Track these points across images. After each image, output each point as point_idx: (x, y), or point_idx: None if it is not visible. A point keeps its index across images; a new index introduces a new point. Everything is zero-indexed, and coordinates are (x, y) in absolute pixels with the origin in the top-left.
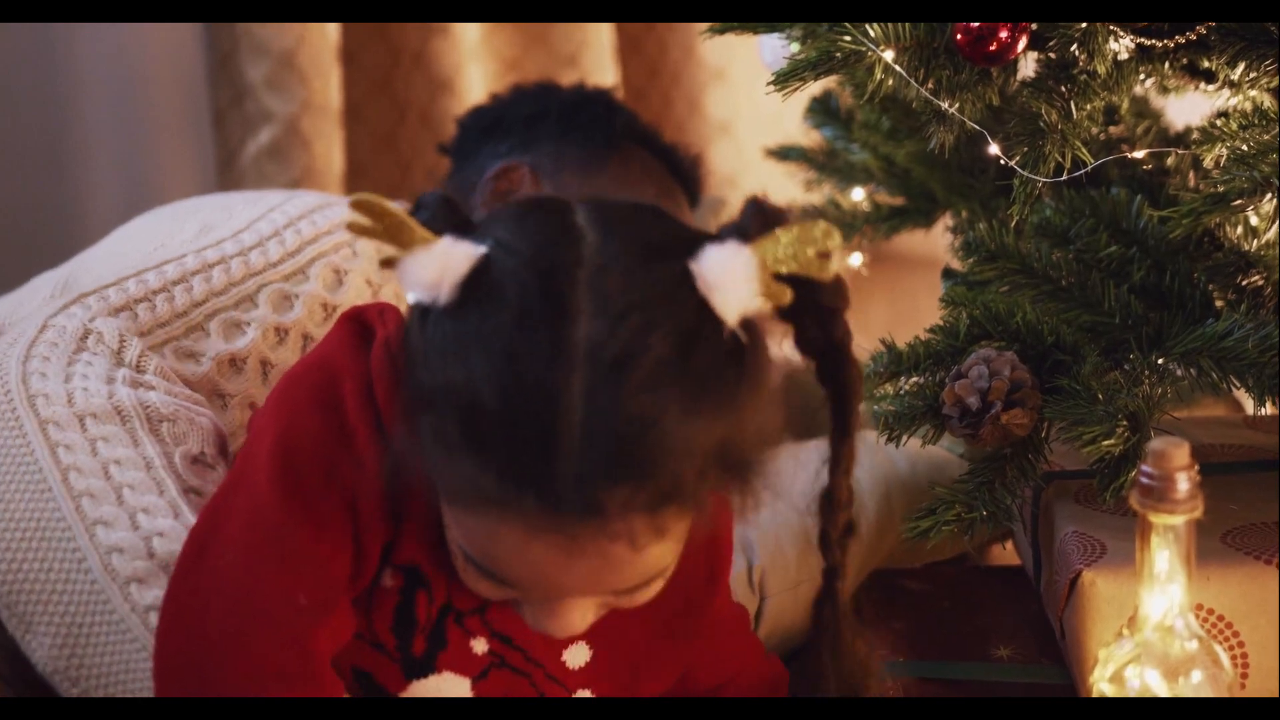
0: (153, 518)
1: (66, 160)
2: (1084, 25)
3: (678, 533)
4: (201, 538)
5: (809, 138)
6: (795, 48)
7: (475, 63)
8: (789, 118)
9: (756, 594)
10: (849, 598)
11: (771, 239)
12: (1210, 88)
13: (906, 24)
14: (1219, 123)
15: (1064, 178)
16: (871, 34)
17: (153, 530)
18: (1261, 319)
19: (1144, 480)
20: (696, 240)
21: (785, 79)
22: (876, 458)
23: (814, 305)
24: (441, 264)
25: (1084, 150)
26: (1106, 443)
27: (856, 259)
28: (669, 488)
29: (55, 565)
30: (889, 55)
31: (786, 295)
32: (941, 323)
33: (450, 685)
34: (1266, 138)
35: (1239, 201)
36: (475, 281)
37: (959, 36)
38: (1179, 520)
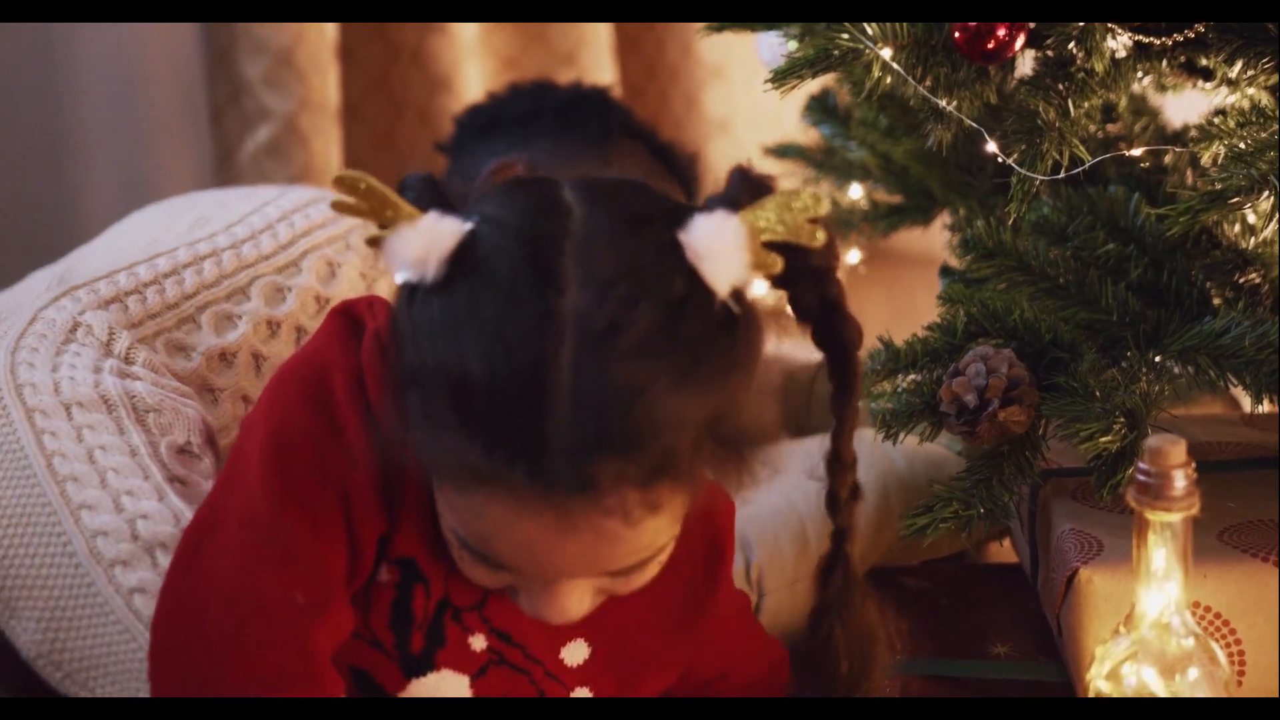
0: (137, 500)
1: (64, 157)
2: (1082, 23)
3: (673, 509)
4: (196, 537)
5: (807, 135)
6: (793, 45)
7: (473, 61)
8: (787, 116)
9: (754, 591)
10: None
11: (760, 207)
12: (1208, 85)
13: (904, 22)
14: (1217, 120)
15: (1062, 175)
16: (869, 32)
17: (137, 513)
18: (1259, 316)
19: (1141, 478)
20: (684, 211)
21: (783, 77)
22: (874, 455)
23: (806, 269)
24: (428, 240)
25: (1081, 148)
26: (1104, 440)
27: (854, 256)
28: (661, 460)
29: (40, 550)
30: (887, 53)
31: (778, 264)
32: (939, 320)
33: (449, 683)
34: (1264, 135)
35: (1236, 199)
36: (462, 257)
37: (957, 34)
38: (1176, 518)
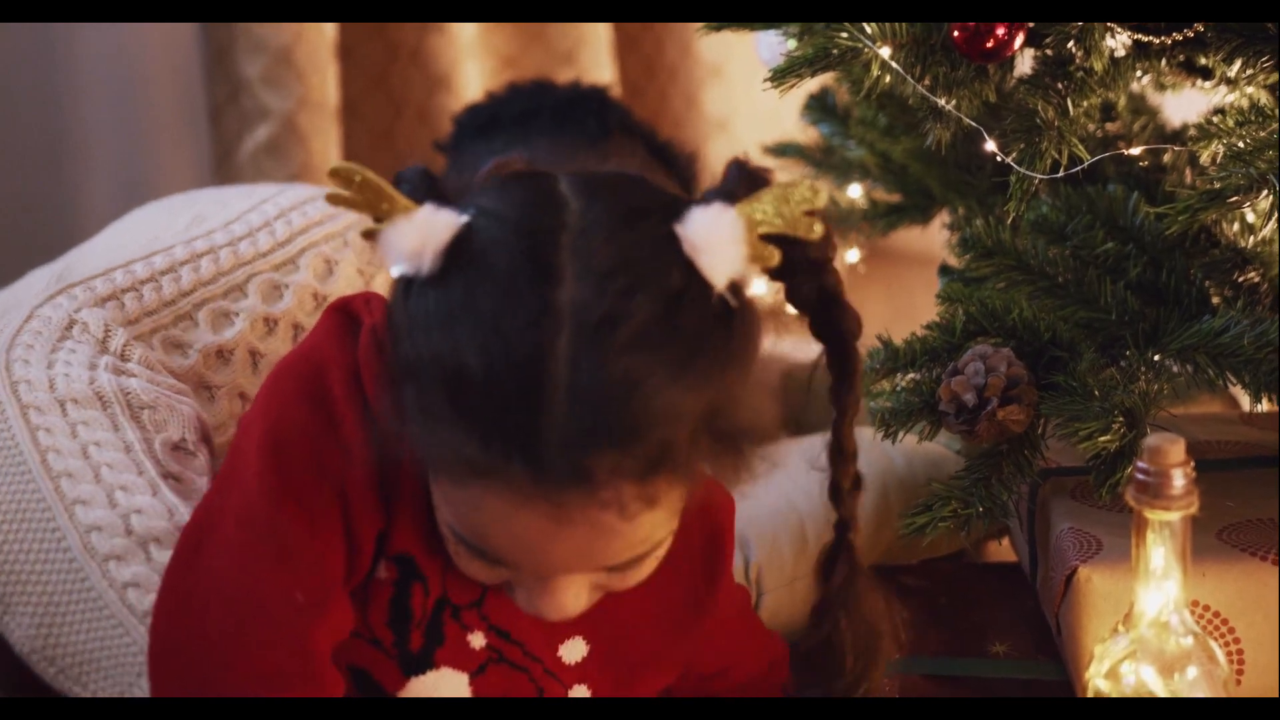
0: (131, 495)
1: (64, 156)
2: (1080, 22)
3: (670, 504)
4: (195, 537)
5: (806, 134)
6: (792, 44)
7: (472, 60)
8: (786, 115)
9: (753, 590)
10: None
11: (757, 200)
12: (1207, 84)
13: (903, 22)
14: (1216, 119)
15: (1061, 174)
16: (868, 31)
17: (130, 507)
18: (1258, 315)
19: (1140, 476)
20: (681, 204)
21: (782, 76)
22: (873, 454)
23: (804, 261)
24: (423, 232)
25: (1080, 147)
26: (1103, 439)
27: (853, 255)
28: (658, 454)
29: (35, 545)
30: (886, 52)
31: (775, 256)
32: (938, 319)
33: (448, 681)
34: (1263, 134)
35: (1235, 198)
36: (458, 249)
37: (956, 33)
38: (1175, 516)
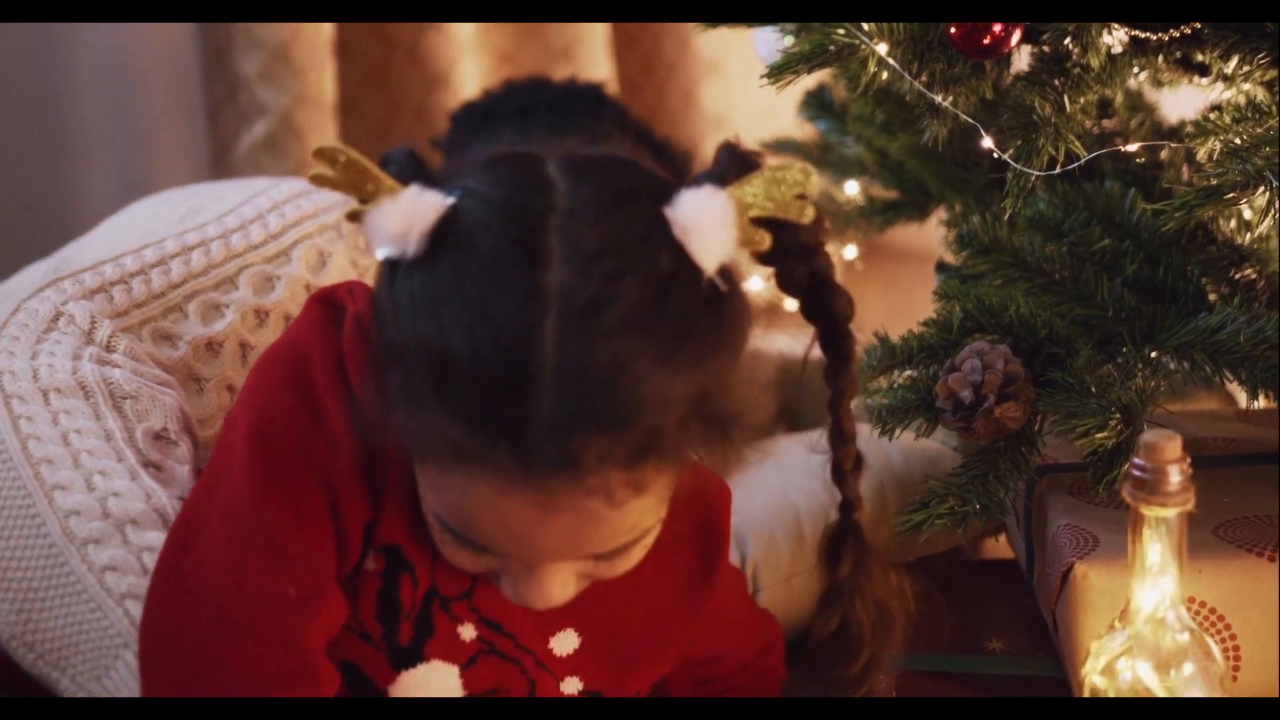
0: (109, 479)
1: (62, 153)
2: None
3: (658, 491)
4: (182, 533)
5: (803, 131)
6: (789, 41)
7: (469, 57)
8: (784, 111)
9: (750, 587)
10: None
11: (747, 183)
12: (1204, 81)
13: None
14: (1212, 116)
15: (1057, 171)
16: (865, 27)
17: (108, 490)
18: (1254, 312)
19: (1136, 473)
20: (671, 187)
21: (779, 72)
22: (870, 451)
23: (795, 245)
24: (409, 214)
25: (1077, 144)
26: (1099, 436)
27: (851, 252)
28: (646, 439)
29: (15, 532)
30: (882, 49)
31: (765, 240)
32: (935, 316)
33: (439, 674)
34: (1260, 131)
35: (1232, 195)
36: (444, 231)
37: (953, 30)
38: (1171, 513)
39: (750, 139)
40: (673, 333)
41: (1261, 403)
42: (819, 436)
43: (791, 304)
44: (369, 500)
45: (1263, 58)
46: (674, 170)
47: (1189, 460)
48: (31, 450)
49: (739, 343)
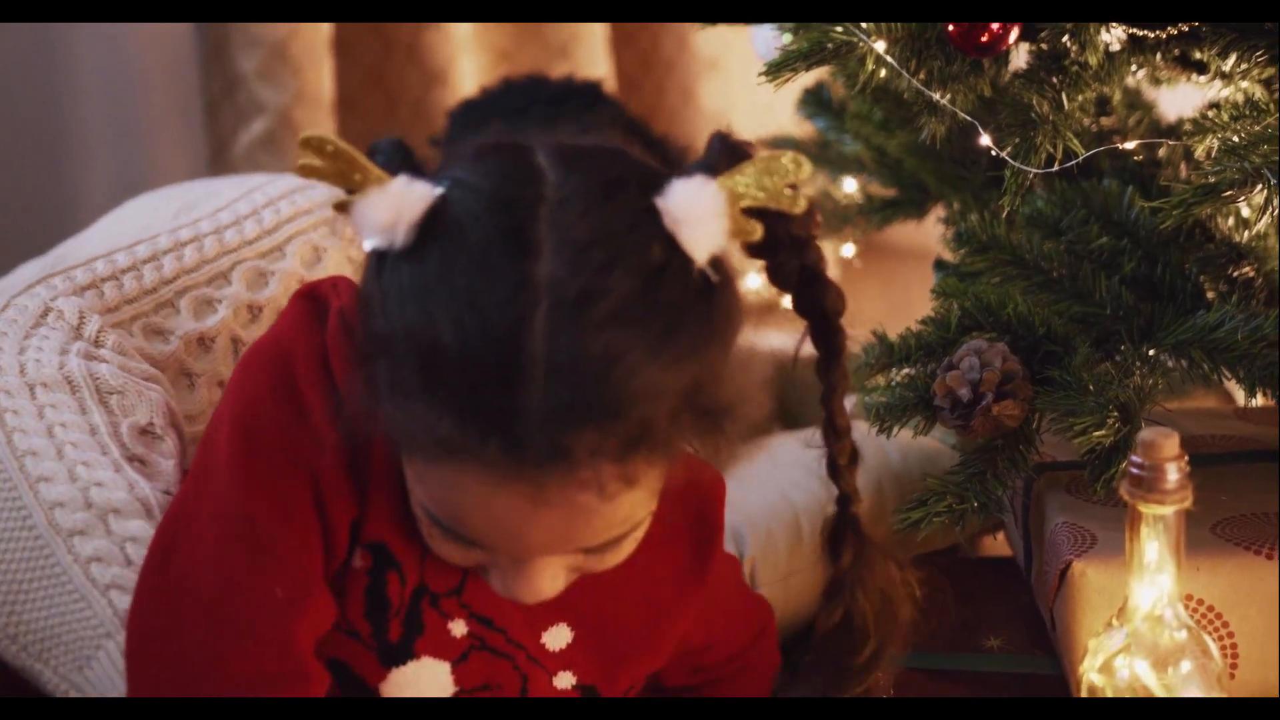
0: (92, 470)
1: (61, 151)
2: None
3: (649, 484)
4: (169, 534)
5: (802, 129)
6: (787, 38)
7: (468, 55)
8: (782, 109)
9: (748, 585)
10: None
11: (739, 172)
12: (1202, 79)
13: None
14: (1210, 114)
15: (1055, 169)
16: (863, 25)
17: (91, 480)
18: (1252, 310)
19: (1134, 471)
20: (662, 176)
21: (777, 69)
22: (868, 449)
23: (786, 237)
24: (397, 204)
25: (1075, 141)
26: (1097, 434)
27: (849, 250)
28: (638, 431)
29: (1, 525)
30: (880, 46)
31: (757, 231)
32: (933, 314)
33: (430, 671)
34: (1258, 129)
35: (1230, 193)
36: (433, 222)
37: (951, 27)
38: (1169, 510)
39: (748, 136)
40: (664, 324)
41: (1259, 400)
42: (814, 433)
43: (785, 300)
44: (355, 497)
45: (1260, 56)
46: (670, 165)
47: (1187, 458)
48: (17, 443)
49: (731, 334)
